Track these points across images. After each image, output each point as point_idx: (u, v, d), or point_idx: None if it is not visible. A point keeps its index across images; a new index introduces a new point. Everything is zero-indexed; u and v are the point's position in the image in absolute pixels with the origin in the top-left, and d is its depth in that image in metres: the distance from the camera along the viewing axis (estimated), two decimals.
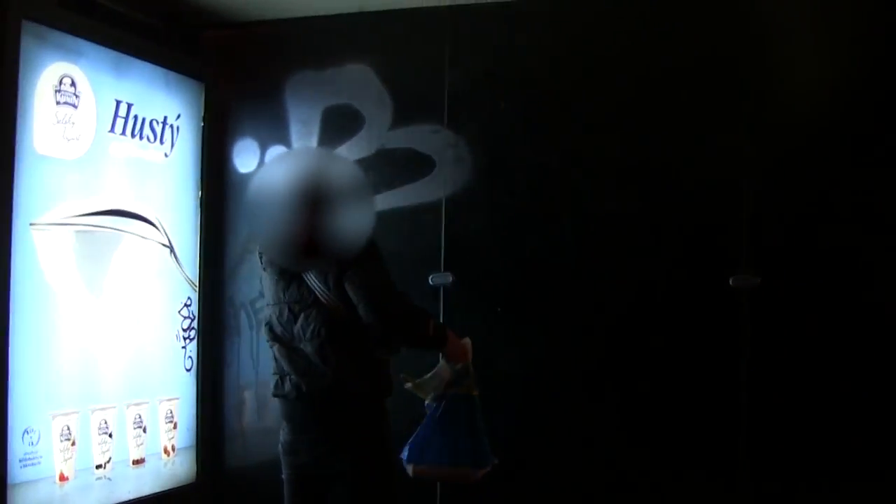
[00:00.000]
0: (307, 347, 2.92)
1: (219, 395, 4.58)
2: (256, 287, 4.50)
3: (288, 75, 4.51)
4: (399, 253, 4.25)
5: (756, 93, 3.87)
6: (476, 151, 4.25)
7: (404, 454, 3.14)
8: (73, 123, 3.59)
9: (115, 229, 3.83)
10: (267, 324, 3.06)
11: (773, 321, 3.82)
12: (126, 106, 3.88)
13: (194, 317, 4.40)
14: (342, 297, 2.87)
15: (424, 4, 4.26)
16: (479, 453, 3.19)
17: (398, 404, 3.04)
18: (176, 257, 4.24)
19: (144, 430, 3.99)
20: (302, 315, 2.91)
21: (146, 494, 3.98)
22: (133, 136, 3.95)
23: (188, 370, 4.34)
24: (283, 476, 3.09)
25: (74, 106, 3.60)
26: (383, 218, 4.28)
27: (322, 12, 4.41)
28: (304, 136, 4.46)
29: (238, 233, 4.60)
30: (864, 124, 3.78)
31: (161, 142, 4.12)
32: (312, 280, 2.89)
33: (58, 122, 3.51)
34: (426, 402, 3.16)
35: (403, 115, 4.35)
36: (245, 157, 4.57)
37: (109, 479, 3.74)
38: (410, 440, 3.16)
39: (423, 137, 4.32)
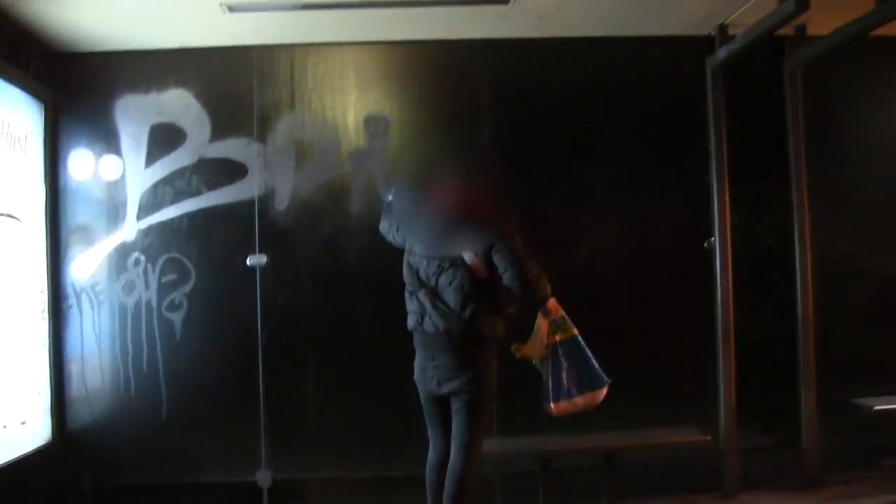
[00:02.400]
0: (449, 295, 4.05)
1: (61, 366, 5.37)
2: (95, 273, 5.40)
3: (117, 97, 5.42)
4: (222, 240, 5.40)
5: None
6: (281, 158, 5.44)
7: (544, 402, 4.20)
8: None
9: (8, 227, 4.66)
10: (415, 272, 4.15)
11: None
12: (5, 124, 4.66)
13: (46, 300, 5.20)
14: (487, 263, 4.02)
15: (236, 44, 5.37)
16: (596, 377, 4.19)
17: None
18: (36, 250, 5.04)
19: (24, 396, 4.78)
20: (450, 270, 4.07)
21: (28, 451, 4.82)
22: (11, 148, 4.74)
23: (45, 345, 5.15)
24: (421, 397, 4.27)
25: None
26: (208, 213, 5.40)
27: (145, 46, 5.37)
28: (133, 148, 5.41)
29: (72, 228, 5.43)
30: None
31: (25, 153, 4.91)
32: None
33: None
34: (534, 362, 4.24)
35: (220, 131, 5.43)
36: (80, 166, 5.43)
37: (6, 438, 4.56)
38: (544, 387, 4.20)
39: (237, 149, 5.44)
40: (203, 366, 5.41)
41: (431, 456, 4.30)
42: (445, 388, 4.13)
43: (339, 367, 5.41)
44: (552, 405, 4.21)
